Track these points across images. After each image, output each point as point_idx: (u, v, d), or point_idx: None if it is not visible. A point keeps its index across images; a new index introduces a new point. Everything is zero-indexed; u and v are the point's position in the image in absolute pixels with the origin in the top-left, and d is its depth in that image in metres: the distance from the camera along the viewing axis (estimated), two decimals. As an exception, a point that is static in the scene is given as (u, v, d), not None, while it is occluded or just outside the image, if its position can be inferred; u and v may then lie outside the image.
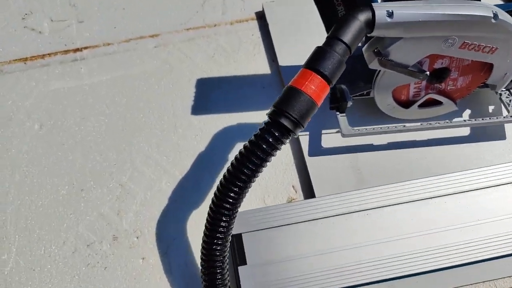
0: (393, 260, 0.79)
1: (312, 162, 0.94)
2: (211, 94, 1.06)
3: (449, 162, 0.93)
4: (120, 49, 1.10)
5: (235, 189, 0.66)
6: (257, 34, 1.13)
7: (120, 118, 1.03)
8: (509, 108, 0.91)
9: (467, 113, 0.98)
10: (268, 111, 0.65)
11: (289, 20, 1.14)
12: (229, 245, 0.72)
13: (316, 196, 0.90)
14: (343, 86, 0.89)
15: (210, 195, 0.93)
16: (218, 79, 1.08)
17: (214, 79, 1.07)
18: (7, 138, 1.00)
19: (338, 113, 0.90)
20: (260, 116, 1.02)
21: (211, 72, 1.08)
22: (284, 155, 0.98)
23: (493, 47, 0.76)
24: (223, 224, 0.69)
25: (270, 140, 0.64)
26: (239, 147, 0.98)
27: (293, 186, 0.94)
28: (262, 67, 1.09)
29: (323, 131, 0.97)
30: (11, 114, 1.03)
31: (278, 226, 0.85)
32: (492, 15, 0.70)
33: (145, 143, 1.00)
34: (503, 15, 0.72)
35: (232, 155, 0.96)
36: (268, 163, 0.67)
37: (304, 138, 0.96)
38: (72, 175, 0.96)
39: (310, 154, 0.95)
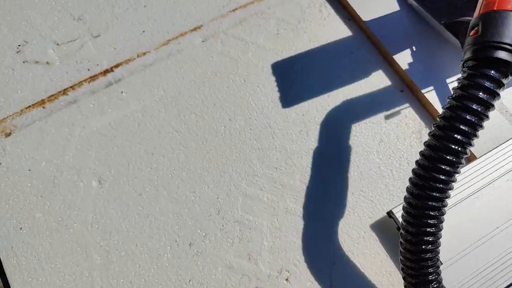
0: None
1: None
2: (294, 77, 0.84)
3: None
4: (161, 55, 0.85)
5: (445, 168, 0.49)
6: (318, -8, 0.92)
7: (198, 140, 0.79)
8: None
9: None
10: (467, 54, 0.47)
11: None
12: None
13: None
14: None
15: (353, 197, 0.73)
16: (296, 58, 0.86)
17: (290, 59, 0.86)
18: (61, 210, 0.73)
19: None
20: (363, 86, 0.82)
21: (283, 51, 0.86)
22: (412, 123, 0.79)
23: None
24: (431, 221, 0.51)
25: (487, 85, 0.46)
26: (358, 130, 0.78)
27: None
28: (340, 30, 0.89)
29: (448, 81, 0.79)
30: (52, 178, 0.75)
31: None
32: None
33: (243, 160, 0.77)
34: None
35: (355, 141, 0.77)
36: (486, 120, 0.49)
37: (430, 95, 0.78)
38: (169, 231, 0.71)
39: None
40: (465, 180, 0.69)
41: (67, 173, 0.76)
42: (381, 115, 0.80)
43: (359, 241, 0.70)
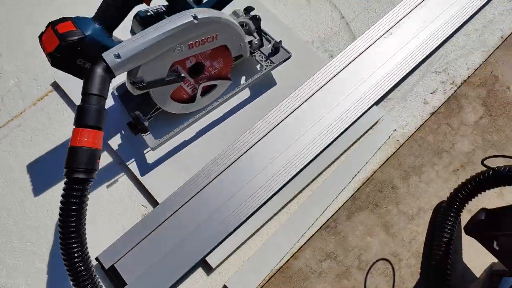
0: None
1: (146, 179, 1.12)
2: (47, 172, 1.16)
3: (247, 121, 1.17)
4: None
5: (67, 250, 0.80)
6: (60, 101, 1.25)
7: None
8: (262, 63, 1.17)
9: (243, 78, 1.23)
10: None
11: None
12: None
13: (160, 203, 1.08)
14: (137, 112, 1.06)
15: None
16: (46, 157, 1.18)
17: (42, 158, 1.18)
18: None
19: (142, 134, 1.08)
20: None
21: (35, 153, 1.19)
22: (125, 186, 1.13)
23: (213, 36, 1.00)
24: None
25: (75, 194, 0.80)
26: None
27: (142, 205, 1.11)
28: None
29: (145, 152, 1.14)
30: None
31: (140, 241, 1.03)
32: (192, 18, 0.92)
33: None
34: (203, 12, 0.95)
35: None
36: (86, 209, 0.83)
37: (132, 165, 1.13)
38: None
39: (142, 174, 1.12)
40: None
41: None
42: (105, 185, 1.14)
43: None
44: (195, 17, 0.93)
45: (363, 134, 1.17)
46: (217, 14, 0.97)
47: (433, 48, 1.25)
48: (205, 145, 1.16)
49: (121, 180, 1.15)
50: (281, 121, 1.16)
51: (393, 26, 1.27)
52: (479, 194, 0.96)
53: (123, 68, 0.88)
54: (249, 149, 1.13)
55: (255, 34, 1.13)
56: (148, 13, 1.00)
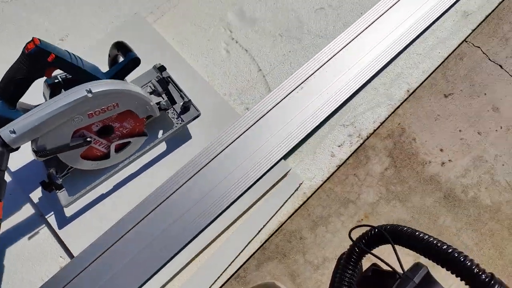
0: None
1: (63, 232, 1.19)
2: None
3: (163, 174, 1.24)
4: None
5: None
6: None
7: None
8: (174, 121, 1.24)
9: (160, 132, 1.30)
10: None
11: None
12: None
13: (75, 256, 1.15)
14: (51, 170, 1.13)
15: None
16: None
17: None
18: None
19: (57, 191, 1.15)
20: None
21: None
22: (46, 238, 1.20)
23: (114, 104, 1.07)
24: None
25: None
26: None
27: (61, 257, 1.19)
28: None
29: (63, 207, 1.21)
30: None
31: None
32: (86, 93, 0.99)
33: None
34: (99, 85, 1.02)
35: None
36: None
37: (51, 218, 1.20)
38: None
39: (60, 227, 1.20)
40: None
41: None
42: (26, 237, 1.21)
43: None
44: (89, 91, 0.99)
45: (272, 187, 1.24)
46: (115, 86, 1.04)
47: (342, 101, 1.32)
48: (121, 198, 1.23)
49: (42, 232, 1.22)
50: (196, 172, 1.23)
51: (305, 81, 1.34)
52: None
53: (20, 142, 0.96)
54: (165, 200, 1.20)
55: (163, 95, 1.20)
56: (56, 80, 1.08)
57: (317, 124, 1.30)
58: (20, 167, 1.27)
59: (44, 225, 1.22)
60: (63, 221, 1.21)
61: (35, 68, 0.98)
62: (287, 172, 1.26)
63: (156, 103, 1.18)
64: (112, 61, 1.18)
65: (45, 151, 1.03)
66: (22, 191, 1.24)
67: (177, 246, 1.16)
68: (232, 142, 1.27)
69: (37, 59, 0.96)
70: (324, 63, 1.37)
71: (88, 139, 1.10)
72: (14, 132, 0.94)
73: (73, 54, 1.04)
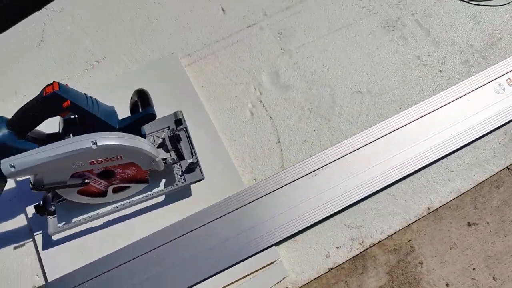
0: None
1: (45, 254, 1.21)
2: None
3: (155, 224, 1.23)
4: None
5: None
6: None
7: None
8: (176, 178, 1.22)
9: (163, 181, 1.28)
10: None
11: None
12: None
13: (48, 281, 1.17)
14: (48, 195, 1.15)
15: None
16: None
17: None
18: None
19: (48, 216, 1.17)
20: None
21: None
22: (29, 253, 1.23)
23: (118, 156, 1.06)
24: None
25: None
26: None
27: (37, 275, 1.21)
28: None
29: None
30: None
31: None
32: (91, 144, 0.99)
33: None
34: (105, 138, 1.01)
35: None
36: None
37: (38, 237, 1.23)
38: None
39: (43, 248, 1.22)
40: None
41: None
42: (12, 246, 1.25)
43: None
44: (94, 143, 0.99)
45: (255, 271, 1.19)
46: (122, 141, 1.03)
47: (353, 201, 1.24)
48: (109, 236, 1.23)
49: (28, 246, 1.25)
50: (185, 234, 1.21)
51: (321, 167, 1.27)
52: None
53: (17, 176, 0.98)
54: (145, 253, 1.19)
55: (171, 152, 1.18)
56: (72, 116, 1.09)
57: (320, 219, 1.23)
58: (27, 178, 1.31)
59: (31, 240, 1.25)
60: (48, 243, 1.22)
61: (48, 111, 0.99)
62: (275, 261, 1.20)
63: (162, 158, 1.17)
64: (133, 105, 1.18)
65: (41, 186, 1.04)
66: (20, 201, 1.28)
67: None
68: (231, 212, 1.23)
69: (52, 104, 0.97)
70: (346, 154, 1.29)
71: (87, 181, 1.10)
72: (13, 166, 0.96)
73: (91, 98, 1.05)
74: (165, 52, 1.51)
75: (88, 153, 1.01)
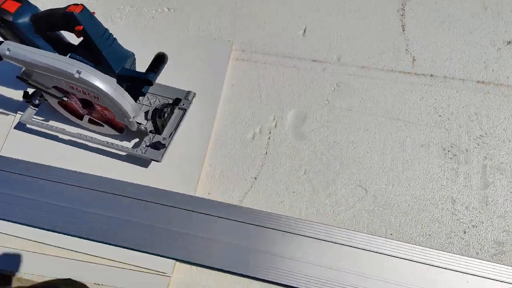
0: None
1: (14, 133, 1.32)
2: None
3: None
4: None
5: None
6: None
7: None
8: (140, 145, 1.22)
9: (133, 141, 1.29)
10: None
11: None
12: None
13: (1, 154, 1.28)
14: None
15: None
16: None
17: None
18: None
19: (31, 106, 1.26)
20: None
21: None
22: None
23: (95, 95, 1.08)
24: None
25: None
26: None
27: (-3, 144, 1.32)
28: None
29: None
30: None
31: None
32: (75, 72, 1.02)
33: None
34: (90, 74, 1.03)
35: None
36: None
37: (17, 116, 1.34)
38: None
39: (15, 127, 1.33)
40: None
41: None
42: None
43: None
44: (78, 72, 1.02)
45: (142, 268, 1.16)
46: (103, 85, 1.05)
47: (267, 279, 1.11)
48: (66, 154, 1.29)
49: (7, 118, 1.36)
50: (117, 194, 1.21)
51: (271, 228, 1.16)
52: None
53: (9, 60, 1.06)
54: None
55: (150, 121, 1.17)
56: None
57: (235, 271, 1.13)
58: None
59: (15, 115, 1.36)
60: (22, 128, 1.33)
61: (63, 26, 1.04)
62: (165, 273, 1.15)
63: (138, 122, 1.17)
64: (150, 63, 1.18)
65: (26, 79, 1.11)
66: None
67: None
68: (163, 204, 1.20)
69: (68, 22, 1.01)
70: (307, 236, 1.15)
71: (66, 99, 1.16)
72: (9, 50, 1.04)
73: (109, 35, 1.07)
74: (227, 37, 1.48)
75: (70, 78, 1.05)
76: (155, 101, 1.26)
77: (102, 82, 1.05)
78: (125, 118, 1.14)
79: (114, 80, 1.09)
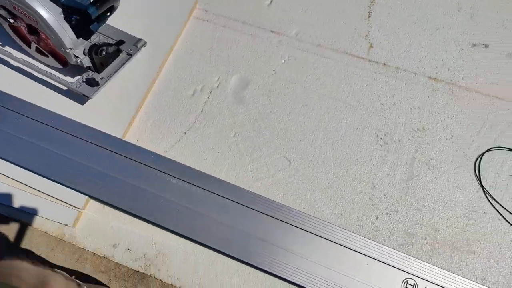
0: None
1: None
2: None
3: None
4: None
5: None
6: None
7: None
8: (76, 79, 1.24)
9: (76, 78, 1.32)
10: None
11: None
12: None
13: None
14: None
15: None
16: None
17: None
18: None
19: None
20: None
21: None
22: None
23: (34, 19, 1.11)
24: None
25: None
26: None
27: None
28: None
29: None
30: None
31: None
32: (15, -10, 1.06)
33: None
34: (32, -4, 1.07)
35: None
36: None
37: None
38: None
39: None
40: None
41: None
42: None
43: None
44: (18, -10, 1.06)
45: (55, 198, 1.19)
46: (40, 8, 1.07)
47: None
48: (12, 78, 1.33)
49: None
50: (47, 125, 1.25)
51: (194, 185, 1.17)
52: None
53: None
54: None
55: (87, 57, 1.20)
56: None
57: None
58: None
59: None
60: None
61: None
62: (77, 207, 1.18)
63: (75, 55, 1.20)
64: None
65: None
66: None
67: None
68: (85, 140, 1.23)
69: None
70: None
71: (12, 21, 1.19)
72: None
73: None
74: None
75: (10, -4, 1.08)
76: (96, 38, 1.29)
77: (40, 6, 1.08)
78: (62, 48, 1.17)
79: (59, 9, 1.12)
